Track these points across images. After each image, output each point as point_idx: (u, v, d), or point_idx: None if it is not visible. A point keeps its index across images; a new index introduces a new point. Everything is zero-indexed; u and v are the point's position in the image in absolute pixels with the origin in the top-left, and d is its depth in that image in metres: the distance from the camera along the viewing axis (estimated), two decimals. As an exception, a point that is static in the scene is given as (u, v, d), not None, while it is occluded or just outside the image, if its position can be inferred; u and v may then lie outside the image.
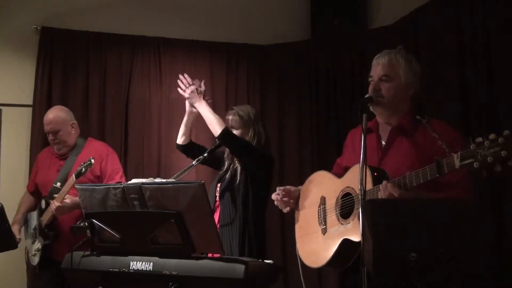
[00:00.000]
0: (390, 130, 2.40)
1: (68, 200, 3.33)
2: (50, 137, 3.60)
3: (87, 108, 4.62)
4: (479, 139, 1.77)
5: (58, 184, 3.48)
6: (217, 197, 3.12)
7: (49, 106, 4.35)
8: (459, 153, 1.84)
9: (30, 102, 4.50)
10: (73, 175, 3.32)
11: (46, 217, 3.46)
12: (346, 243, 2.25)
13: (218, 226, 3.03)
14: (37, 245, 3.49)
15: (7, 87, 4.56)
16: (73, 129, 3.65)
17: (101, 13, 4.78)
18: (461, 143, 2.20)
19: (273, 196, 2.64)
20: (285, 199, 2.62)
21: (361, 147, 2.27)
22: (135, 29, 4.80)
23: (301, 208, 2.63)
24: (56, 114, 3.61)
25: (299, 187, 2.68)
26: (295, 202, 2.64)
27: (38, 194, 3.73)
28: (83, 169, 3.28)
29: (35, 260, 3.50)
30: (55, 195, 3.41)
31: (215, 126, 3.01)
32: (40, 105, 4.33)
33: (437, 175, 1.94)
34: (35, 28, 4.55)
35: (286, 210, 2.65)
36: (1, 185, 3.94)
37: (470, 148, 1.78)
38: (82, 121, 4.57)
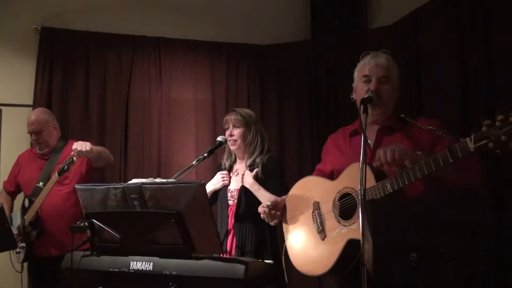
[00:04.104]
0: (377, 130, 2.40)
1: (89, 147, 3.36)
2: (33, 137, 3.71)
3: (87, 108, 4.63)
4: (488, 121, 1.80)
5: (41, 183, 3.57)
6: (230, 201, 3.15)
7: (49, 106, 4.38)
8: (472, 136, 1.86)
9: (30, 102, 4.50)
10: (56, 173, 3.42)
11: (30, 215, 3.54)
12: (351, 244, 2.21)
13: (233, 230, 3.08)
14: (21, 243, 3.56)
15: (7, 87, 4.57)
16: (54, 130, 3.77)
17: (101, 13, 4.78)
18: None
19: (260, 210, 2.57)
20: (272, 212, 2.55)
21: (349, 149, 2.27)
22: (135, 29, 4.81)
23: (291, 217, 2.55)
24: (38, 115, 3.73)
25: (284, 197, 2.61)
26: (281, 213, 2.58)
27: (16, 193, 3.86)
28: (66, 167, 3.38)
29: (20, 258, 3.59)
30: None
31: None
32: (40, 105, 4.33)
33: (451, 161, 1.94)
34: (35, 28, 4.56)
35: (273, 223, 2.59)
36: (1, 185, 3.94)
37: (482, 130, 1.81)
38: (82, 121, 4.60)
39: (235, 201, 3.11)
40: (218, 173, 3.21)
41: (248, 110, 3.28)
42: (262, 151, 3.16)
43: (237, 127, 3.16)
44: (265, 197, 2.95)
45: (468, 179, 2.12)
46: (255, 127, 3.19)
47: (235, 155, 3.27)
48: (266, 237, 3.05)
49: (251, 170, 3.11)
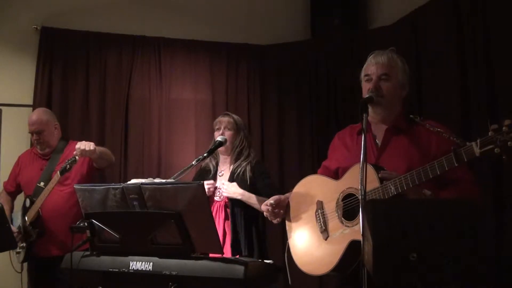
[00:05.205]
0: (385, 129, 2.39)
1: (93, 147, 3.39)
2: (34, 137, 3.71)
3: (87, 108, 4.63)
4: (495, 126, 1.80)
5: (42, 183, 3.57)
6: (217, 197, 3.25)
7: (49, 106, 4.38)
8: (478, 140, 1.86)
9: (30, 102, 4.50)
10: (58, 172, 3.42)
11: (31, 215, 3.55)
12: (353, 245, 2.20)
13: (222, 226, 3.17)
14: (21, 243, 3.56)
15: (7, 87, 4.57)
16: (56, 130, 3.78)
17: (101, 13, 4.78)
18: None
19: (263, 208, 2.56)
20: (276, 210, 2.52)
21: (357, 148, 2.26)
22: (135, 29, 4.81)
23: (294, 215, 2.53)
24: (39, 115, 3.73)
25: (287, 195, 2.59)
26: (284, 211, 2.55)
27: (16, 193, 3.87)
28: (68, 166, 3.38)
29: (20, 258, 3.59)
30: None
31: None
32: (40, 105, 4.33)
33: (456, 165, 1.94)
34: (35, 28, 4.56)
35: (276, 221, 2.56)
36: (2, 185, 3.94)
37: (489, 135, 1.81)
38: (82, 121, 4.60)
39: (222, 196, 3.22)
40: (205, 183, 3.19)
41: (237, 116, 3.44)
42: (248, 156, 3.30)
43: (228, 129, 3.31)
44: (258, 202, 3.09)
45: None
46: (244, 133, 3.37)
47: (219, 156, 3.40)
48: (254, 233, 3.18)
49: (234, 176, 3.23)
